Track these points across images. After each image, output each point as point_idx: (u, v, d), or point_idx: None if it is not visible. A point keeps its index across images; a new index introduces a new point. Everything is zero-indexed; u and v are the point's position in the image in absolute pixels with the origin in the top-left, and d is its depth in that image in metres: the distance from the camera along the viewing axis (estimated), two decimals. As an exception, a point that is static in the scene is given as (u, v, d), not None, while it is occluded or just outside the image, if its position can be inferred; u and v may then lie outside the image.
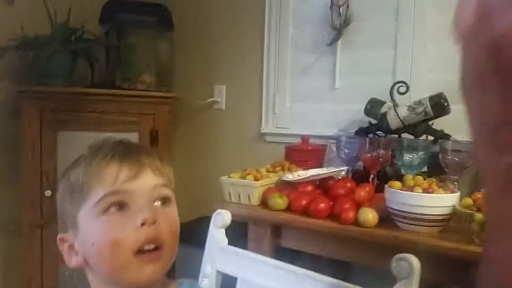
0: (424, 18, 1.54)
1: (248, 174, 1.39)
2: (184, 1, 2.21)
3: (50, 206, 1.82)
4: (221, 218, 0.98)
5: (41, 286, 1.81)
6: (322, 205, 1.21)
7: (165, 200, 0.63)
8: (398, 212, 1.09)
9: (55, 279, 1.84)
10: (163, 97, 2.05)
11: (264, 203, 1.34)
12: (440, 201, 1.05)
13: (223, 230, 1.01)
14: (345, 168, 1.41)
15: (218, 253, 0.97)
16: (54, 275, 1.83)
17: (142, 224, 0.57)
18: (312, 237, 1.24)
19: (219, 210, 0.98)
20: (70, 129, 1.89)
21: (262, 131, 1.96)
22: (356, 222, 1.14)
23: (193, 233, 1.01)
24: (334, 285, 0.80)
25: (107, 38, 2.06)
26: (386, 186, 1.14)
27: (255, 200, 1.34)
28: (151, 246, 0.58)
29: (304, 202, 1.25)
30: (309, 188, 1.34)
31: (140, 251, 0.57)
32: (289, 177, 1.39)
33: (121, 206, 0.58)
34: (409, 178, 1.15)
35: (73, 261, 0.62)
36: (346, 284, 0.79)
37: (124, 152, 0.61)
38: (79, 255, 0.61)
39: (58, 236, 0.64)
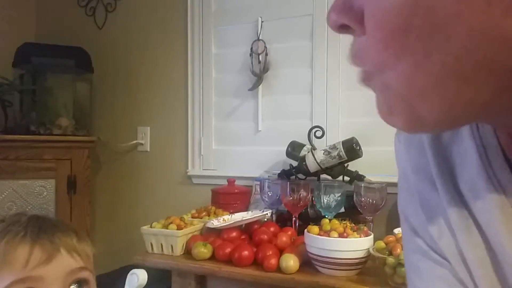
0: (337, 67, 1.65)
1: (171, 222, 1.37)
2: (104, 43, 2.18)
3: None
4: (136, 278, 0.96)
5: None
6: (245, 253, 1.22)
7: (82, 284, 0.58)
8: (317, 257, 1.13)
9: None
10: (82, 141, 1.98)
11: (188, 252, 1.33)
12: (355, 245, 1.11)
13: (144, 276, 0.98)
14: (269, 211, 1.44)
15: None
16: None
17: None
18: (238, 285, 1.24)
19: (134, 270, 0.95)
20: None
21: (188, 173, 1.95)
22: (278, 269, 1.16)
23: (114, 285, 0.98)
24: None
25: (22, 81, 1.97)
26: (305, 231, 1.18)
27: (179, 250, 1.32)
28: None
29: (228, 250, 1.25)
30: (234, 234, 1.34)
31: None
32: (214, 223, 1.39)
33: None
34: (325, 222, 1.20)
35: None
36: None
37: (37, 231, 0.56)
38: None
39: None
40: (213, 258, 1.28)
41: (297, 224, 1.39)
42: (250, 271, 1.19)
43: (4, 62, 1.95)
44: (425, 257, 0.42)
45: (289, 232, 1.31)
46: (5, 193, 1.82)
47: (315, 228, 1.16)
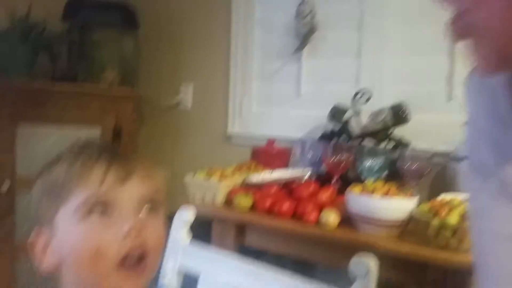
0: (388, 30, 1.61)
1: (214, 173, 1.40)
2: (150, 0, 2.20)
3: (5, 202, 1.76)
4: (185, 214, 1.00)
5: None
6: (286, 206, 1.24)
7: (152, 209, 0.58)
8: (358, 215, 1.14)
9: (10, 278, 1.77)
10: (127, 95, 2.02)
11: (228, 203, 1.36)
12: (398, 205, 1.11)
13: (187, 227, 1.02)
14: (309, 171, 1.45)
15: (180, 249, 0.98)
16: (9, 275, 1.77)
17: (127, 233, 0.53)
18: (276, 236, 1.27)
19: (183, 206, 0.99)
20: (30, 123, 1.84)
21: (228, 133, 1.97)
22: (318, 223, 1.18)
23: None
24: (294, 282, 0.83)
25: (69, 34, 2.02)
26: (347, 190, 1.19)
27: (220, 199, 1.36)
28: (135, 258, 0.54)
29: (268, 203, 1.28)
30: (274, 189, 1.36)
31: (123, 263, 0.53)
32: (255, 178, 1.42)
33: (105, 211, 0.54)
34: (369, 182, 1.20)
35: (45, 264, 0.57)
36: (305, 281, 0.82)
37: (112, 155, 0.57)
38: (53, 259, 0.56)
39: (31, 236, 0.59)
40: (253, 209, 1.30)
41: (337, 185, 1.40)
42: (289, 224, 1.21)
43: (54, 15, 2.00)
44: (495, 199, 0.43)
45: (330, 191, 1.31)
46: (50, 141, 1.89)
47: (358, 188, 1.16)
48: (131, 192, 0.55)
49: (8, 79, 1.78)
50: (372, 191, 1.13)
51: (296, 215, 1.23)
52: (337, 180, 1.40)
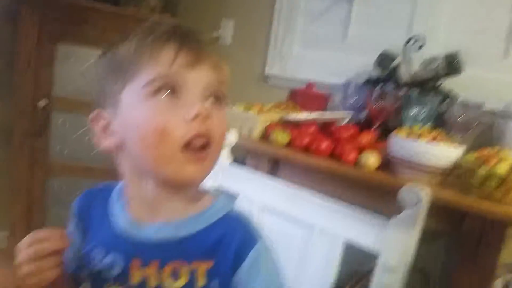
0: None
1: (252, 108, 1.37)
2: None
3: (42, 118, 1.79)
4: (227, 136, 0.98)
5: (29, 197, 1.80)
6: (324, 145, 1.21)
7: (218, 99, 0.55)
8: (401, 159, 1.10)
9: (43, 190, 1.83)
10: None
11: (265, 138, 1.34)
12: (445, 152, 1.06)
13: (228, 149, 1.01)
14: (349, 115, 1.40)
15: (221, 169, 0.97)
16: (42, 186, 1.82)
17: (194, 118, 0.51)
18: (310, 175, 1.24)
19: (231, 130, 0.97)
20: (69, 42, 1.83)
21: (266, 73, 1.93)
22: (357, 164, 1.15)
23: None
24: (332, 205, 0.81)
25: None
26: (392, 133, 1.14)
27: (257, 133, 1.34)
28: (200, 143, 0.52)
29: (306, 140, 1.25)
30: (312, 129, 1.33)
31: (187, 147, 0.51)
32: (293, 116, 1.38)
33: (174, 92, 0.52)
34: (415, 127, 1.15)
35: (106, 142, 0.56)
36: (343, 205, 0.80)
37: (184, 37, 0.53)
38: (114, 137, 0.55)
39: (93, 113, 0.57)
40: (289, 146, 1.28)
41: (377, 132, 1.35)
42: (327, 162, 1.18)
43: None
44: None
45: (370, 135, 1.27)
46: (90, 61, 1.88)
47: (403, 131, 1.12)
48: (199, 78, 0.53)
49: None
50: (419, 136, 1.09)
51: (334, 155, 1.20)
52: (378, 127, 1.36)
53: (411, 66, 1.40)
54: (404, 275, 0.73)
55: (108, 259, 0.56)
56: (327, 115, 1.38)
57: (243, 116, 1.34)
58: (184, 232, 0.55)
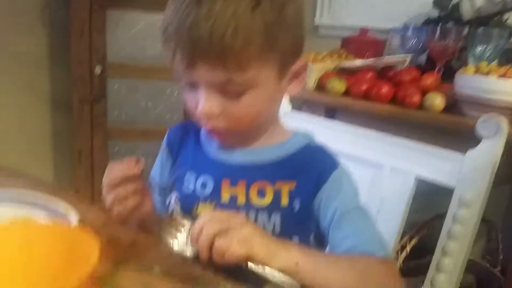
0: None
1: (305, 57, 1.34)
2: None
3: (98, 86, 1.84)
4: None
5: (91, 159, 1.89)
6: (385, 89, 1.17)
7: (230, 93, 0.54)
8: (468, 98, 1.05)
9: (104, 154, 1.90)
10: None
11: (320, 88, 1.31)
12: (518, 87, 0.99)
13: (287, 96, 0.99)
14: (409, 56, 1.34)
15: (282, 116, 0.96)
16: (104, 149, 1.90)
17: (202, 114, 0.55)
18: (370, 123, 1.20)
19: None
20: (118, 8, 1.84)
21: (315, 23, 1.87)
22: (421, 107, 1.10)
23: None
24: (401, 141, 0.79)
25: None
26: (457, 72, 1.08)
27: (311, 83, 1.31)
28: (214, 131, 0.58)
29: (364, 87, 1.21)
30: (369, 75, 1.29)
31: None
32: (349, 63, 1.34)
33: (194, 87, 0.55)
34: (483, 65, 1.08)
35: None
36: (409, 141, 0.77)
37: (179, 38, 0.51)
38: None
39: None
40: (346, 95, 1.25)
41: (440, 73, 1.29)
42: (388, 107, 1.14)
43: None
44: None
45: (433, 77, 1.21)
46: (138, 26, 1.89)
47: (471, 68, 1.06)
48: (200, 77, 0.53)
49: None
50: (487, 73, 1.02)
51: (396, 100, 1.16)
52: (440, 68, 1.29)
53: (475, 2, 1.30)
54: (481, 210, 0.70)
55: (200, 180, 0.61)
56: (385, 60, 1.33)
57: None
58: (267, 158, 0.60)
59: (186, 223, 0.53)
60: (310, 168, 0.58)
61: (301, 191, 0.58)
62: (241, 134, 0.59)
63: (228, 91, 0.52)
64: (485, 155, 0.68)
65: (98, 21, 1.83)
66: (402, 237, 1.00)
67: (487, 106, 1.01)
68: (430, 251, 0.75)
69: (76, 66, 1.84)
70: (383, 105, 1.15)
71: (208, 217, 0.48)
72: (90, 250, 0.30)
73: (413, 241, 1.06)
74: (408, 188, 0.75)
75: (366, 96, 1.20)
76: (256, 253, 0.46)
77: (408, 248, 1.02)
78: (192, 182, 0.61)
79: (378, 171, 0.78)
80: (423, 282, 0.76)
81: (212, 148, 0.63)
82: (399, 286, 0.55)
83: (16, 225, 0.34)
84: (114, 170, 0.54)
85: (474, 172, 0.69)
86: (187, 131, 0.66)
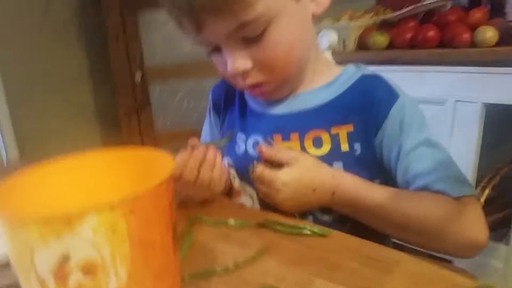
0: None
1: (341, 18, 1.30)
2: None
3: (141, 93, 1.85)
4: (327, 39, 0.94)
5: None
6: (431, 33, 1.11)
7: (250, 39, 0.50)
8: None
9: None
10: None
11: (361, 47, 1.27)
12: None
13: (330, 52, 0.96)
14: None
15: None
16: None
17: (234, 76, 0.53)
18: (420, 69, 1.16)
19: (325, 31, 0.93)
20: (149, 9, 1.85)
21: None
22: (473, 43, 1.04)
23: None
24: (462, 72, 0.74)
25: None
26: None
27: (351, 44, 1.27)
28: (255, 87, 0.54)
29: (409, 35, 1.16)
30: (412, 24, 1.23)
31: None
32: (388, 15, 1.28)
33: (218, 50, 0.52)
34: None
35: None
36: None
37: (178, 6, 0.49)
38: None
39: None
40: (390, 48, 1.20)
41: (486, 9, 1.21)
42: (438, 51, 1.08)
43: None
44: None
45: (480, 12, 1.14)
46: (171, 25, 1.91)
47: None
48: (213, 36, 0.50)
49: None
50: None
51: (444, 42, 1.10)
52: (486, 4, 1.21)
53: None
54: None
55: (251, 140, 0.58)
56: (426, 5, 1.26)
57: (333, 27, 1.28)
58: (317, 102, 0.55)
59: (250, 190, 0.55)
60: (367, 105, 0.52)
61: (360, 132, 0.52)
62: (283, 82, 0.53)
63: (249, 37, 0.48)
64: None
65: (131, 26, 1.84)
66: (479, 180, 0.93)
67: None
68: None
69: (117, 77, 1.86)
70: (432, 50, 1.10)
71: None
72: (167, 163, 0.30)
73: (494, 181, 0.96)
74: (476, 116, 0.70)
75: (412, 45, 1.15)
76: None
77: (488, 190, 0.93)
78: (243, 143, 0.59)
79: (442, 107, 0.74)
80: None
81: (258, 104, 0.60)
82: (483, 231, 0.46)
83: (90, 153, 0.34)
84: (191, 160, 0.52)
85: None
86: (231, 89, 0.63)
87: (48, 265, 0.22)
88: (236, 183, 0.56)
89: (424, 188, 0.48)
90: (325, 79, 0.56)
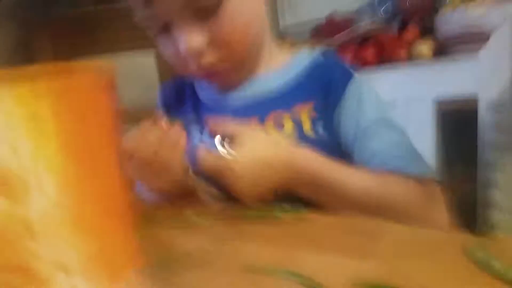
0: None
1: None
2: None
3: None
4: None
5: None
6: (369, 51, 1.15)
7: (204, 9, 0.48)
8: (455, 35, 1.02)
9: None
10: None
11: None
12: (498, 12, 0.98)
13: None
14: (383, 25, 1.33)
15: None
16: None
17: (188, 56, 0.49)
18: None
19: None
20: (85, 56, 1.80)
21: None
22: (411, 58, 1.08)
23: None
24: (410, 70, 0.75)
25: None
26: (439, 13, 1.07)
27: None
28: (210, 66, 0.51)
29: (349, 56, 1.19)
30: (350, 47, 1.26)
31: (202, 70, 0.51)
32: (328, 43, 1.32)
33: (166, 30, 0.48)
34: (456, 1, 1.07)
35: None
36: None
37: None
38: None
39: None
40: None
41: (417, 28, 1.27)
42: (377, 67, 1.11)
43: None
44: None
45: (413, 30, 1.19)
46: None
47: (450, 5, 1.04)
48: (163, 10, 0.47)
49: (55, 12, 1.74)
50: (466, 4, 1.01)
51: (383, 59, 1.13)
52: (417, 24, 1.28)
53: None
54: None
55: (207, 132, 0.52)
56: (359, 27, 1.31)
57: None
58: (275, 84, 0.54)
59: (208, 188, 0.50)
60: (324, 83, 0.51)
61: (321, 111, 0.51)
62: (240, 62, 0.51)
63: (204, 10, 0.45)
64: (498, 48, 0.65)
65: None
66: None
67: (475, 38, 0.99)
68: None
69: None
70: (372, 69, 1.12)
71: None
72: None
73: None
74: (429, 113, 0.70)
75: (352, 64, 1.17)
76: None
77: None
78: (197, 137, 0.54)
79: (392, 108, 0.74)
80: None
81: (212, 97, 0.56)
82: (441, 211, 0.43)
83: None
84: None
85: (492, 71, 0.65)
86: (182, 89, 0.60)
87: None
88: (194, 179, 0.50)
89: (381, 165, 0.45)
90: (281, 62, 0.55)
